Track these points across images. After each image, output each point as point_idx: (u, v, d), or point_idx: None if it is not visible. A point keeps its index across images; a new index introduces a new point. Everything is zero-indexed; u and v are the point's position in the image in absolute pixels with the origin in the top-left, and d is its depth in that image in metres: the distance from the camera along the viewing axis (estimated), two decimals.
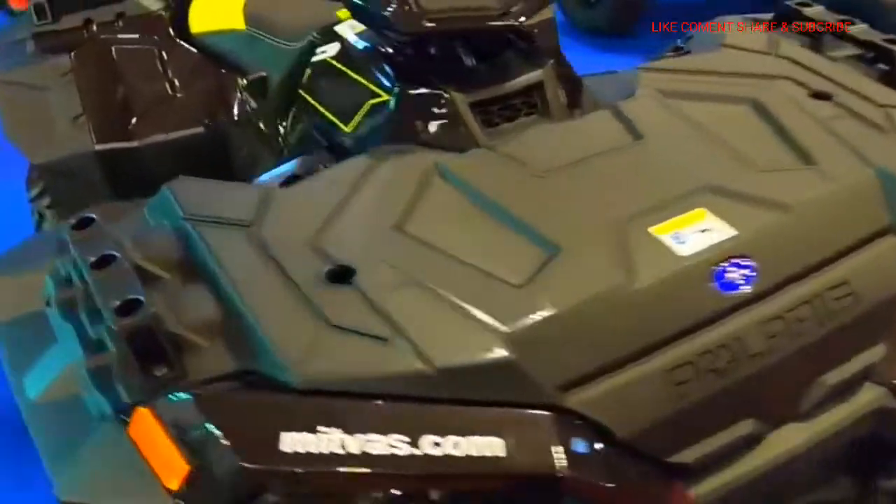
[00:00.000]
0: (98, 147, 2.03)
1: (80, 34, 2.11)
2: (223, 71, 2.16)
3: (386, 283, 0.99)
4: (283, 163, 1.88)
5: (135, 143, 2.08)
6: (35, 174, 2.16)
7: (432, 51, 1.36)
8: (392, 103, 1.36)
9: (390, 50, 1.40)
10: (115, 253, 1.03)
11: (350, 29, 1.60)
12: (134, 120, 2.09)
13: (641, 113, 1.29)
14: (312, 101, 1.59)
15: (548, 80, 1.37)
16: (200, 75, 2.16)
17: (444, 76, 1.34)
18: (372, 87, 1.42)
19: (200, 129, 2.12)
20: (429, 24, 1.28)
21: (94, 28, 2.12)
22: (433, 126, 1.31)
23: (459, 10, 1.29)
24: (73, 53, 2.06)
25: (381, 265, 1.02)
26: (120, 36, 2.13)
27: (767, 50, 1.48)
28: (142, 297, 0.95)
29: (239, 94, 2.15)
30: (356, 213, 1.12)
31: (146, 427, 0.91)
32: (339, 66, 1.54)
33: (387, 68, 1.39)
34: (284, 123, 1.91)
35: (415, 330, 0.93)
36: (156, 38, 2.16)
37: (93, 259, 1.03)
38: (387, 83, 1.39)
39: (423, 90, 1.34)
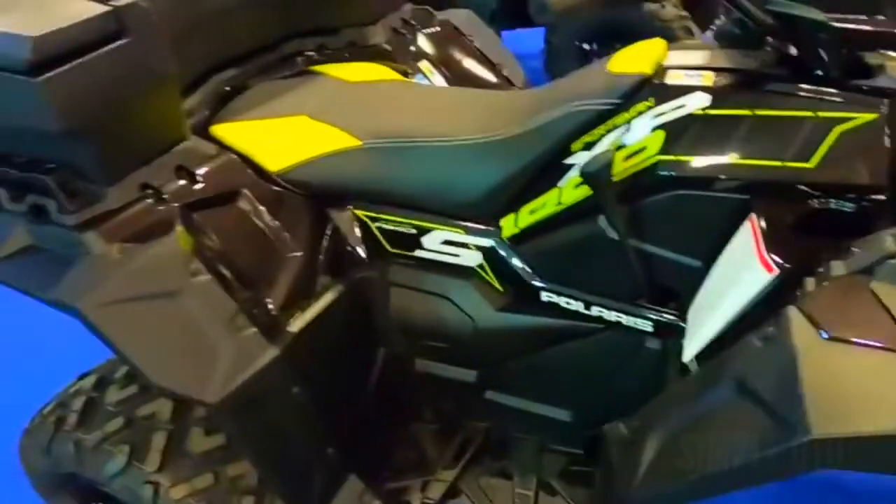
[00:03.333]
0: (278, 346, 1.40)
1: (145, 207, 1.40)
2: (329, 208, 1.65)
3: None
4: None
5: (292, 329, 1.47)
6: None
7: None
8: (877, 121, 1.22)
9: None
10: None
11: (704, 73, 1.38)
12: (270, 303, 1.47)
13: None
14: (703, 158, 1.32)
15: None
16: (313, 221, 1.61)
17: None
18: (833, 112, 1.25)
19: (341, 288, 1.59)
20: None
21: (157, 194, 1.42)
22: None
23: None
24: (192, 241, 1.37)
25: None
26: (196, 198, 1.47)
27: None
28: None
29: (357, 228, 1.65)
30: None
31: None
32: (740, 111, 1.30)
33: (843, 89, 1.26)
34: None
35: None
36: (243, 190, 1.54)
37: None
38: (862, 102, 1.25)
39: None
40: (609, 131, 1.42)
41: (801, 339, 0.91)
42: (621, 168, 1.38)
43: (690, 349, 1.29)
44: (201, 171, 1.49)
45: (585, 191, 1.44)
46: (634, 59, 1.44)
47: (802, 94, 1.29)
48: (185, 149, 1.51)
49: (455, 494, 1.68)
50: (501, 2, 4.63)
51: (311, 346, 1.49)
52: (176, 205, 1.42)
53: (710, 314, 1.28)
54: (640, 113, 1.38)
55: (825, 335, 0.90)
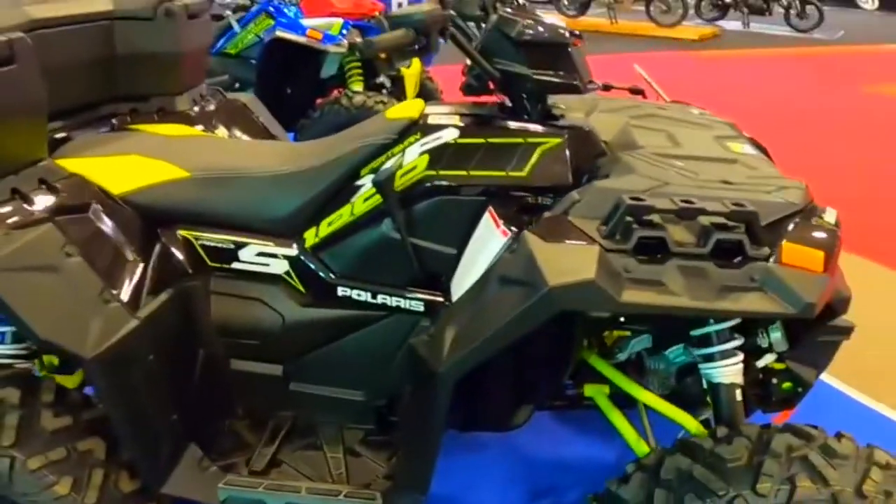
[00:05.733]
0: (137, 318, 1.70)
1: (17, 206, 1.68)
2: (159, 227, 1.98)
3: None
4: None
5: (144, 314, 1.77)
6: None
7: None
8: (562, 143, 1.87)
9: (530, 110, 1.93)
10: None
11: (453, 117, 1.95)
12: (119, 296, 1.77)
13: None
14: (455, 172, 1.87)
15: None
16: (146, 237, 1.93)
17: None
18: (535, 139, 1.87)
19: (169, 294, 1.91)
20: None
21: (25, 198, 1.71)
22: (588, 154, 1.90)
23: None
24: (52, 223, 1.66)
25: None
26: (56, 205, 1.76)
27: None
28: None
29: (183, 245, 2.00)
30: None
31: None
32: (477, 140, 1.87)
33: (541, 125, 1.91)
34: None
35: None
36: (93, 204, 1.84)
37: None
38: (552, 133, 1.89)
39: (580, 129, 1.92)
40: (389, 159, 1.94)
41: (534, 244, 1.49)
42: (399, 182, 1.91)
43: (456, 298, 1.81)
44: (58, 184, 1.79)
45: (372, 203, 1.95)
46: (404, 109, 2.00)
47: (516, 128, 1.93)
48: (45, 166, 1.81)
49: (277, 465, 2.00)
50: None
51: (152, 335, 1.79)
52: (41, 207, 1.71)
53: (468, 277, 1.81)
54: (411, 144, 1.93)
55: (548, 240, 1.49)
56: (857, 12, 16.18)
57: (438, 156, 1.90)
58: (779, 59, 11.10)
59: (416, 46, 1.82)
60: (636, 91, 2.48)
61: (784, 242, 1.52)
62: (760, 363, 1.93)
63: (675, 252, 1.47)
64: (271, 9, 4.91)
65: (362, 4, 4.85)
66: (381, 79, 4.98)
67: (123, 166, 1.99)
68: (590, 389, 2.14)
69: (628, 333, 2.04)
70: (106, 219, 1.84)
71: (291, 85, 5.10)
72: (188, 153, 2.08)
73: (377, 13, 4.83)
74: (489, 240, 1.79)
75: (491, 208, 1.84)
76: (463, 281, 1.84)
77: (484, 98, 2.07)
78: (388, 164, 1.93)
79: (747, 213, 1.50)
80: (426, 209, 1.91)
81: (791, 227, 1.58)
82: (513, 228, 1.75)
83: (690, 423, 1.86)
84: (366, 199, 1.96)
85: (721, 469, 1.48)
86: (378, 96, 4.52)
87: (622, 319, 2.00)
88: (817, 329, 1.85)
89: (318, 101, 4.74)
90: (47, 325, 1.54)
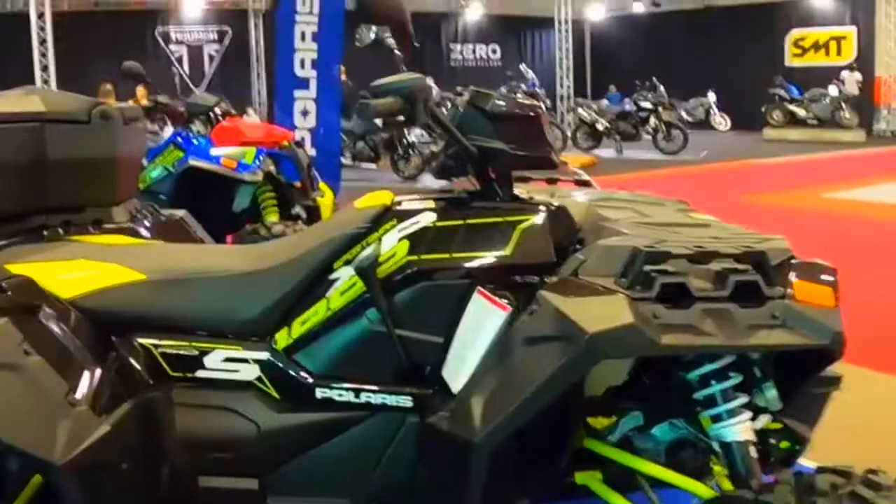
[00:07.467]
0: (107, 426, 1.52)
1: None
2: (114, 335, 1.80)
3: None
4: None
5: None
6: None
7: None
8: (541, 220, 1.84)
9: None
10: None
11: (426, 201, 1.89)
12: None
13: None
14: (438, 256, 1.80)
15: None
16: (101, 345, 1.75)
17: None
18: (514, 217, 1.83)
19: (127, 407, 1.70)
20: None
21: None
22: (566, 230, 1.89)
23: None
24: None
25: None
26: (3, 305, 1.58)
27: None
28: None
29: (140, 354, 1.82)
30: None
31: None
32: (456, 222, 1.82)
33: (513, 204, 1.88)
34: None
35: None
36: (42, 306, 1.66)
37: None
38: (529, 210, 1.86)
39: (553, 207, 1.90)
40: (364, 248, 1.86)
41: (558, 301, 1.49)
42: (380, 270, 1.81)
43: (458, 383, 1.70)
44: (4, 284, 1.61)
45: (351, 296, 1.84)
46: (375, 198, 1.94)
47: (493, 207, 1.89)
48: None
49: None
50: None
51: (121, 444, 1.59)
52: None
53: (466, 362, 1.72)
54: (388, 231, 1.85)
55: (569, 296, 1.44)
56: (714, 133, 17.63)
57: (418, 240, 1.83)
58: (656, 180, 11.82)
59: (401, 117, 1.79)
60: (583, 182, 2.53)
61: (795, 281, 1.54)
62: (757, 424, 1.89)
63: (698, 297, 1.47)
64: (180, 139, 4.80)
65: (273, 133, 4.85)
66: (296, 209, 4.91)
67: (71, 269, 1.83)
68: (581, 477, 2.03)
69: (614, 418, 1.97)
70: (58, 322, 1.66)
71: (203, 219, 4.95)
72: (141, 256, 1.94)
73: (287, 142, 4.83)
74: (485, 318, 1.72)
75: (480, 288, 1.78)
76: (461, 366, 1.74)
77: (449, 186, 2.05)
78: (367, 252, 1.83)
79: (758, 254, 1.53)
80: (409, 297, 1.81)
81: (794, 268, 1.61)
82: (509, 302, 1.69)
83: (701, 489, 1.78)
84: (343, 293, 1.85)
85: None
86: (296, 226, 4.44)
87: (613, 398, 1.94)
88: (809, 381, 1.84)
89: (231, 235, 4.60)
90: (11, 427, 1.36)
